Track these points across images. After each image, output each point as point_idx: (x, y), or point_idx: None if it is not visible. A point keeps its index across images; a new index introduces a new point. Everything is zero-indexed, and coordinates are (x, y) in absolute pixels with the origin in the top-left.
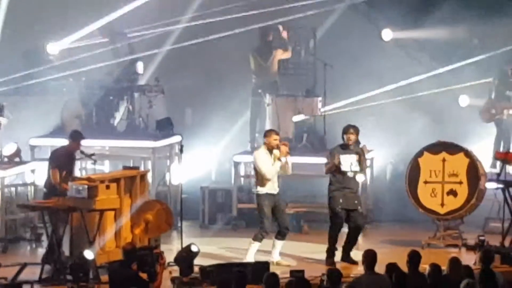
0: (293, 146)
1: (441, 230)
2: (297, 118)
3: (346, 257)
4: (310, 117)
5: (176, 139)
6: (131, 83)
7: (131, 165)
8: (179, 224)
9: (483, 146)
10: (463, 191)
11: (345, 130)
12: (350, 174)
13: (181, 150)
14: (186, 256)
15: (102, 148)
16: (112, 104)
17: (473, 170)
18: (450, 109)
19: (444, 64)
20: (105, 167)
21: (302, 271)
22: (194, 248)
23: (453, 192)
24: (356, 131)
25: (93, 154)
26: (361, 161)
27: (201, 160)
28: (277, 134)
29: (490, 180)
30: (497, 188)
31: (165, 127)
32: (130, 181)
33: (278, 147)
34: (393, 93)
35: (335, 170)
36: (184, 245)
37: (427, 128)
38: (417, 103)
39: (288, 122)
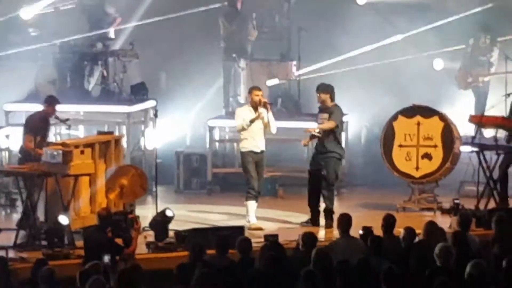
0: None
1: (416, 193)
2: (272, 82)
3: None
4: (285, 81)
5: (150, 104)
6: (105, 48)
7: (106, 130)
8: (154, 189)
9: (457, 110)
10: (437, 154)
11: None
12: (319, 133)
13: (155, 115)
14: (161, 221)
15: (76, 113)
16: (86, 69)
17: (448, 134)
18: (424, 72)
19: (418, 27)
20: (80, 132)
21: (276, 236)
22: (169, 213)
23: (427, 156)
24: (323, 90)
25: (67, 119)
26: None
27: (176, 125)
28: (259, 90)
29: (465, 144)
30: (472, 152)
31: (139, 92)
32: (104, 146)
33: (260, 103)
34: (367, 57)
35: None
36: (159, 210)
37: (402, 92)
38: (392, 66)
39: (263, 86)
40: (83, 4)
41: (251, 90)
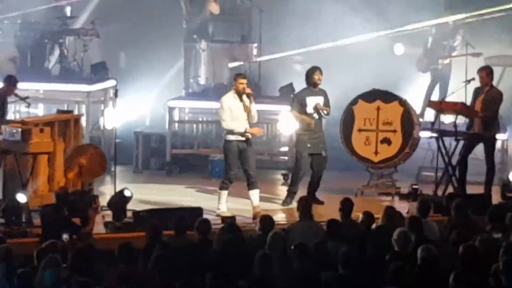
0: (228, 92)
1: (374, 178)
2: (232, 64)
3: (312, 199)
4: (245, 63)
5: (110, 83)
6: (65, 27)
7: (66, 109)
8: (112, 169)
9: (418, 95)
10: (397, 139)
11: (312, 71)
12: (315, 116)
13: (115, 95)
14: (119, 201)
15: (36, 91)
16: (47, 47)
17: (407, 119)
18: (385, 57)
19: (380, 11)
20: (39, 111)
21: (233, 217)
22: (127, 193)
23: (387, 141)
24: (322, 72)
25: (27, 97)
26: (327, 104)
27: (136, 105)
28: (244, 77)
29: (424, 129)
30: (431, 137)
31: (100, 71)
32: (64, 125)
33: (244, 91)
34: (329, 40)
35: (301, 112)
36: (117, 190)
37: (362, 76)
38: (352, 50)
39: (223, 68)
40: None
41: (236, 78)
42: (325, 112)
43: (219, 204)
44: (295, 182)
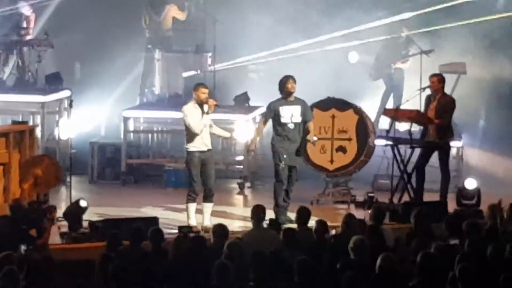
0: (183, 101)
1: (330, 186)
2: (187, 74)
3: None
4: (200, 73)
5: (65, 93)
6: (19, 37)
7: (20, 119)
8: (68, 179)
9: (373, 103)
10: (352, 147)
11: (285, 80)
12: (290, 126)
13: (70, 105)
14: (74, 211)
15: None
16: (1, 58)
17: (362, 127)
18: (340, 65)
19: (334, 20)
20: None
21: (190, 227)
22: (83, 203)
23: (342, 149)
24: (295, 80)
25: None
26: (305, 113)
27: (91, 115)
28: (206, 87)
29: (380, 137)
30: (386, 145)
31: (54, 82)
32: (19, 135)
33: (207, 101)
34: (284, 49)
35: (274, 122)
36: (73, 200)
37: (316, 84)
38: (308, 59)
39: (178, 77)
40: None
41: (197, 87)
42: (314, 139)
43: (189, 219)
44: (279, 196)
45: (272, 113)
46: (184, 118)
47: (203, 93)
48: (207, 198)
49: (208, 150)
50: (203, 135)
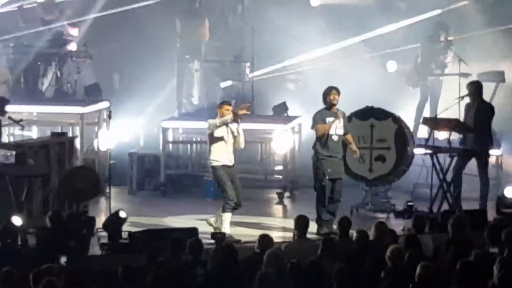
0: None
1: (369, 195)
2: (225, 84)
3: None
4: (238, 82)
5: (104, 105)
6: (61, 48)
7: (59, 131)
8: (107, 190)
9: (411, 112)
10: (391, 156)
11: (328, 91)
12: (334, 138)
13: (109, 116)
14: (114, 222)
15: (30, 114)
16: (40, 69)
17: (401, 136)
18: (378, 74)
19: (372, 29)
20: (33, 133)
21: (223, 233)
22: (122, 214)
23: (381, 158)
24: (339, 91)
25: (21, 120)
26: (345, 125)
27: (129, 126)
28: (229, 104)
29: (419, 146)
30: (425, 154)
31: (93, 93)
32: (58, 147)
33: (235, 118)
34: (321, 59)
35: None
36: (112, 211)
37: (355, 94)
38: (345, 68)
39: (216, 88)
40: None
41: (221, 105)
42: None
43: (224, 228)
44: (321, 212)
45: (321, 122)
46: (207, 129)
47: (227, 109)
48: (234, 208)
49: (232, 165)
50: (227, 150)
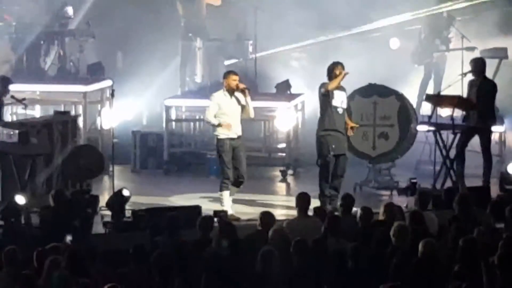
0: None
1: (372, 173)
2: (228, 62)
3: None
4: (241, 60)
5: (107, 83)
6: (62, 28)
7: (62, 110)
8: (110, 169)
9: (414, 89)
10: (394, 134)
11: (334, 66)
12: (339, 111)
13: (112, 95)
14: (117, 201)
15: (33, 92)
16: (43, 48)
17: (404, 113)
18: (381, 51)
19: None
20: (36, 112)
21: (225, 212)
22: (125, 193)
23: (384, 135)
24: (343, 67)
25: (24, 99)
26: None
27: (132, 104)
28: (236, 74)
29: (422, 123)
30: (428, 131)
31: (96, 72)
32: (61, 126)
33: (238, 88)
34: (323, 36)
35: (325, 106)
36: (115, 190)
37: (357, 71)
38: (348, 45)
39: (219, 66)
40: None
41: (227, 75)
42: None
43: (223, 207)
44: (325, 187)
45: (327, 94)
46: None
47: (234, 80)
48: (237, 185)
49: (238, 137)
50: (234, 122)
